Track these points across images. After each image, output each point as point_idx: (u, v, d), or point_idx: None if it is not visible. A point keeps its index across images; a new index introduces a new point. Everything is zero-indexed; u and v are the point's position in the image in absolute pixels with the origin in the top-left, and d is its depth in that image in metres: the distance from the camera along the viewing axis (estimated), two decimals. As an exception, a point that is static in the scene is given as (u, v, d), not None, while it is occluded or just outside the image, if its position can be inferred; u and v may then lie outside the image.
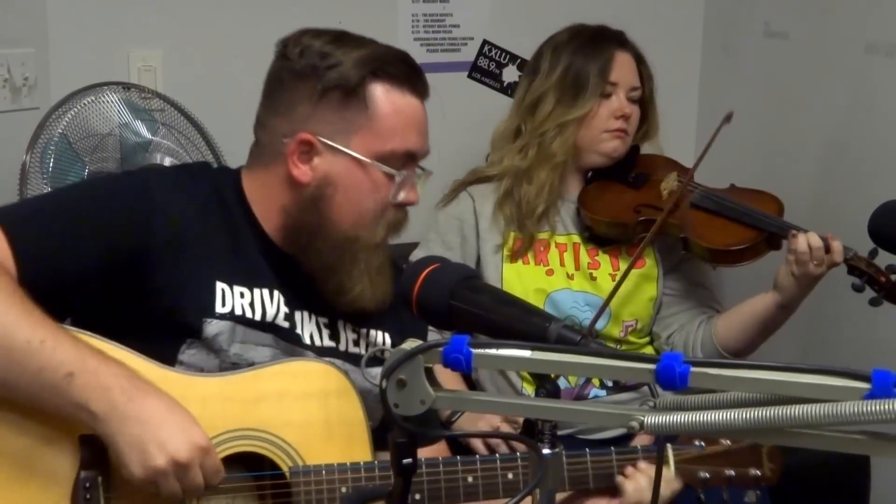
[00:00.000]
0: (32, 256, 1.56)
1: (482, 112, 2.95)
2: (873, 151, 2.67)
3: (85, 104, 2.34)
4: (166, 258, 1.62)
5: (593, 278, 2.42)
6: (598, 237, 2.45)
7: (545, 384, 1.17)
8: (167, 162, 2.38)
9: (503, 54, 2.98)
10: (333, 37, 1.71)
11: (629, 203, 2.44)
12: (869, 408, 0.90)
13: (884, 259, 2.20)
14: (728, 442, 1.71)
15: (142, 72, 2.60)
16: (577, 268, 2.43)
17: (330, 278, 1.71)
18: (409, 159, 1.72)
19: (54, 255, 1.58)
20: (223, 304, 1.65)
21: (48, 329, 1.48)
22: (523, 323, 1.20)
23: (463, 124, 2.92)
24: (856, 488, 2.61)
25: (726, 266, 2.45)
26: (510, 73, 2.98)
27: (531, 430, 1.14)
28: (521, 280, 2.40)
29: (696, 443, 1.71)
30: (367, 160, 1.68)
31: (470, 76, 2.98)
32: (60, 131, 2.31)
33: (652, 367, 1.00)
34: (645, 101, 2.50)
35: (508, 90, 2.98)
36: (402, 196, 1.71)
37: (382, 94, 1.68)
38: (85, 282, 1.59)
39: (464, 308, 1.22)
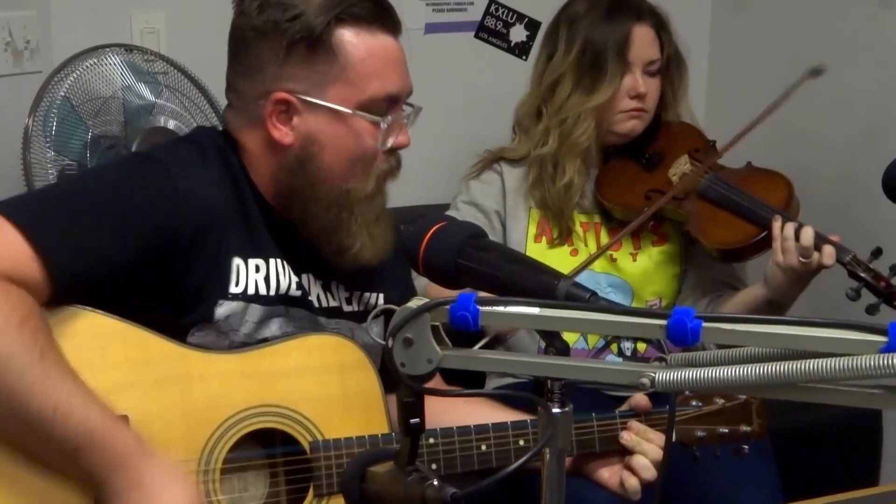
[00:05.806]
0: (61, 262, 1.47)
1: (489, 73, 2.92)
2: (888, 106, 2.63)
3: (87, 67, 2.31)
4: (195, 245, 1.57)
5: (613, 259, 2.37)
6: (617, 219, 2.38)
7: (554, 342, 1.15)
8: (171, 125, 2.35)
9: (510, 13, 2.94)
10: None
11: (641, 188, 2.36)
12: (887, 361, 0.88)
13: (887, 260, 2.08)
14: (722, 401, 1.74)
15: (144, 34, 2.57)
16: (598, 248, 2.36)
17: (330, 239, 1.67)
18: (392, 102, 1.64)
19: (85, 259, 1.49)
20: (237, 284, 1.62)
21: (62, 392, 1.40)
22: (532, 280, 1.18)
23: (470, 85, 2.90)
24: (867, 451, 2.60)
25: (731, 262, 2.34)
26: (517, 33, 2.94)
27: (540, 389, 1.12)
28: (544, 260, 2.34)
29: (694, 403, 1.74)
30: (348, 111, 1.61)
31: (477, 36, 2.94)
32: (63, 94, 2.28)
33: (663, 322, 0.99)
34: (668, 69, 2.37)
35: (516, 50, 2.94)
36: (391, 141, 1.65)
37: (351, 39, 1.60)
38: (116, 281, 1.53)
39: (471, 266, 1.20)
